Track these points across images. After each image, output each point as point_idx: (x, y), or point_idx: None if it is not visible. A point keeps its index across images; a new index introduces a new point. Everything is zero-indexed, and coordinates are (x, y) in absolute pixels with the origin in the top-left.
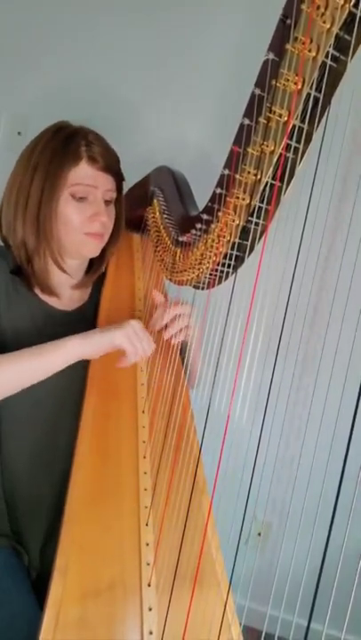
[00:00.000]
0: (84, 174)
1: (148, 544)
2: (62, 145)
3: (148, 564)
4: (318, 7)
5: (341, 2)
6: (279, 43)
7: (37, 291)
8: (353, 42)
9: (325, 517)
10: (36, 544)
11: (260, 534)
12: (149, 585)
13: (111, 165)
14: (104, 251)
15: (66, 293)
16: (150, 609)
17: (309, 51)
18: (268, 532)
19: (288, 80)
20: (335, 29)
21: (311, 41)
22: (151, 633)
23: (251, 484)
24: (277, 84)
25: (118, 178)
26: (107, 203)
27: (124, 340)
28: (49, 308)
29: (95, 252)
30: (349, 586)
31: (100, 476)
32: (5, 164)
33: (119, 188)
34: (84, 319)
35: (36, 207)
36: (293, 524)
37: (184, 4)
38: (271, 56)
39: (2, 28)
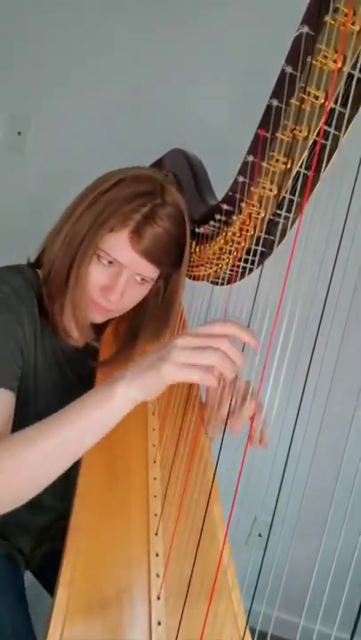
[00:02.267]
0: (116, 246)
1: (157, 554)
2: (123, 199)
3: (158, 576)
4: None
5: None
6: (316, 14)
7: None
8: None
9: (323, 520)
10: (28, 543)
11: (260, 535)
12: (159, 598)
13: (157, 255)
14: (134, 339)
15: (75, 334)
16: (159, 623)
17: (353, 24)
18: (268, 533)
19: (326, 57)
20: None
21: (355, 13)
22: None
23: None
24: (313, 62)
25: (165, 268)
26: (141, 281)
27: (175, 373)
28: (63, 344)
29: (97, 321)
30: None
31: (107, 483)
32: (5, 164)
33: (168, 279)
34: (92, 353)
35: (75, 247)
36: (293, 525)
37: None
38: (306, 29)
39: (2, 29)
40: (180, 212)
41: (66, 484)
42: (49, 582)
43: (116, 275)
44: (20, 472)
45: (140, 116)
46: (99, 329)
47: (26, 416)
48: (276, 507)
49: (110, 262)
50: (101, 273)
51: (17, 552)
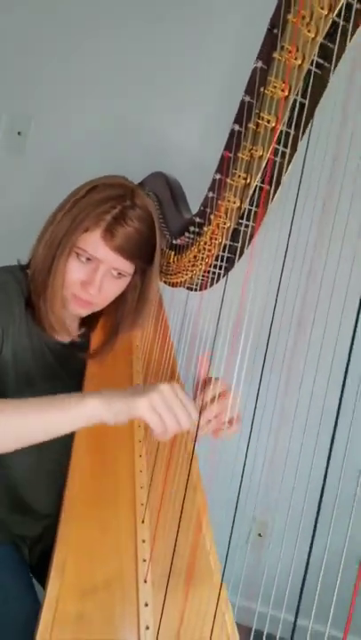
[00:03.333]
0: (91, 243)
1: (144, 541)
2: (96, 203)
3: (145, 561)
4: (304, 17)
5: (325, 12)
6: (267, 51)
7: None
8: (336, 50)
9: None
10: (31, 532)
11: (260, 535)
12: (145, 581)
13: (129, 251)
14: (116, 330)
15: (62, 329)
16: (146, 604)
17: (295, 59)
18: (266, 533)
19: (275, 87)
20: (320, 39)
21: (297, 49)
22: (148, 628)
23: (260, 487)
24: (265, 91)
25: (138, 263)
26: (118, 275)
27: (147, 412)
28: (48, 339)
29: (82, 314)
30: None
31: (97, 475)
32: (5, 165)
33: (144, 274)
34: (78, 351)
35: (55, 247)
36: (293, 525)
37: (180, 14)
38: (260, 64)
39: (3, 29)
40: (149, 213)
41: None
42: (45, 578)
43: (94, 270)
44: None
45: (135, 126)
46: (90, 326)
47: None
48: (236, 507)
49: (88, 259)
50: (81, 269)
51: (21, 540)
